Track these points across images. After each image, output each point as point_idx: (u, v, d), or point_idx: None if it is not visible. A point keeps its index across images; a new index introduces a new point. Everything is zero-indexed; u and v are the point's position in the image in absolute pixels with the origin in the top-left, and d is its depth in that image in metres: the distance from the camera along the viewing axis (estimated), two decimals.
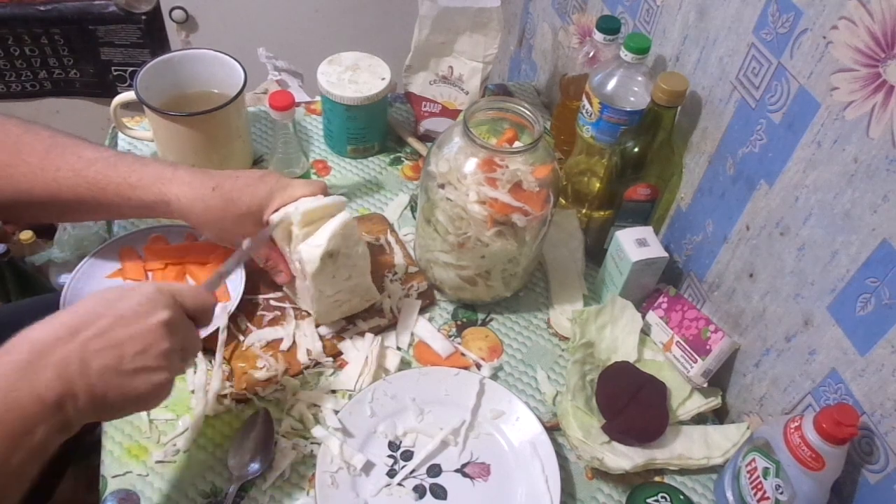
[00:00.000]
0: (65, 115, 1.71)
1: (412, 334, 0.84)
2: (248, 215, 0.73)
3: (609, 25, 0.88)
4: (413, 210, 0.98)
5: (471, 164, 0.75)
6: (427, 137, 1.07)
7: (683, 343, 0.79)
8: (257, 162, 1.01)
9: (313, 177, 1.00)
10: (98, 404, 0.52)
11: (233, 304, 0.78)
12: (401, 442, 0.74)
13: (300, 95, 1.30)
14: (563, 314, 0.87)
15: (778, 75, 0.67)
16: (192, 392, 0.75)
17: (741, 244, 0.76)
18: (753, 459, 0.67)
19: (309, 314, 0.81)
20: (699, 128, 0.81)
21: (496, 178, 0.74)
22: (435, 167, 0.78)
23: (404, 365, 0.81)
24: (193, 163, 0.85)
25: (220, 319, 0.75)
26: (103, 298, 0.55)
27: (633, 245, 0.81)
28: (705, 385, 0.77)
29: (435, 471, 0.72)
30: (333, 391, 0.77)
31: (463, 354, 0.83)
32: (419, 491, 0.71)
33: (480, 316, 0.88)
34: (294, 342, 0.80)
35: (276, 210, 0.74)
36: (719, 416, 0.82)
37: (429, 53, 0.98)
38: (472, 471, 0.73)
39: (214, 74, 0.94)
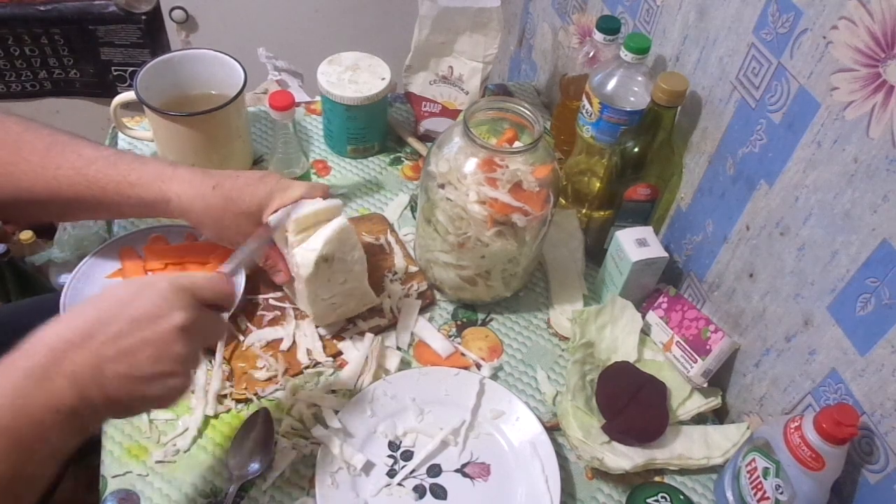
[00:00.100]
0: (65, 115, 1.71)
1: (412, 334, 0.84)
2: (247, 215, 0.73)
3: (609, 25, 0.88)
4: (413, 210, 0.98)
5: (471, 164, 0.75)
6: (427, 137, 1.07)
7: (683, 343, 0.79)
8: (257, 162, 1.01)
9: (313, 177, 1.00)
10: (113, 408, 0.52)
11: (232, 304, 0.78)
12: (401, 442, 0.74)
13: (300, 95, 1.30)
14: (563, 314, 0.87)
15: (778, 75, 0.67)
16: (192, 392, 0.75)
17: (741, 244, 0.76)
18: (753, 459, 0.67)
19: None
20: (699, 128, 0.81)
21: (496, 178, 0.74)
22: (435, 167, 0.78)
23: (404, 365, 0.81)
24: (193, 163, 0.85)
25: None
26: (117, 298, 0.52)
27: (633, 245, 0.81)
28: (705, 385, 0.77)
29: (435, 471, 0.72)
30: (333, 391, 0.77)
31: (463, 354, 0.83)
32: (419, 491, 0.71)
33: (480, 316, 0.88)
34: (294, 342, 0.80)
35: (276, 210, 0.74)
36: (719, 416, 0.82)
37: (429, 53, 0.98)
38: (472, 471, 0.73)
39: (214, 74, 0.94)
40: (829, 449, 0.60)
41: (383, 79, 0.97)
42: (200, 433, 0.73)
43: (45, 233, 1.57)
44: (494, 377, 0.81)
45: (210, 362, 0.77)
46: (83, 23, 1.55)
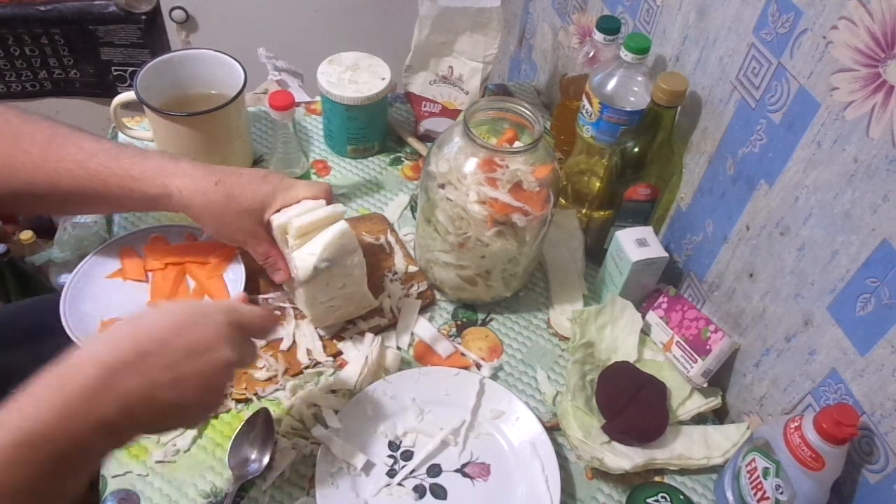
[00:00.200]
0: (65, 115, 1.71)
1: (412, 334, 0.84)
2: (248, 212, 0.73)
3: (609, 25, 0.88)
4: (413, 210, 0.98)
5: (471, 164, 0.75)
6: (427, 137, 1.07)
7: (683, 343, 0.79)
8: (257, 162, 1.01)
9: (313, 177, 1.00)
10: (153, 428, 0.55)
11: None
12: (401, 442, 0.74)
13: (300, 95, 1.30)
14: (563, 314, 0.87)
15: (778, 75, 0.67)
16: None
17: (741, 244, 0.76)
18: (753, 459, 0.67)
19: None
20: (699, 128, 0.81)
21: (496, 178, 0.74)
22: (435, 167, 0.78)
23: (404, 365, 0.81)
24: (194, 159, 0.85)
25: None
26: (172, 324, 0.53)
27: (633, 245, 0.81)
28: (705, 385, 0.77)
29: (435, 471, 0.72)
30: (333, 391, 0.77)
31: (463, 354, 0.83)
32: (419, 491, 0.71)
33: (480, 316, 0.88)
34: (294, 342, 0.80)
35: (279, 209, 0.74)
36: (719, 416, 0.82)
37: (429, 53, 0.98)
38: (472, 471, 0.73)
39: (214, 74, 0.94)
40: (829, 449, 0.60)
41: (383, 79, 0.97)
42: (200, 433, 0.73)
43: (45, 233, 1.57)
44: (494, 377, 0.81)
45: None
46: (83, 23, 1.55)
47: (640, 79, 0.84)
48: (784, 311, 0.70)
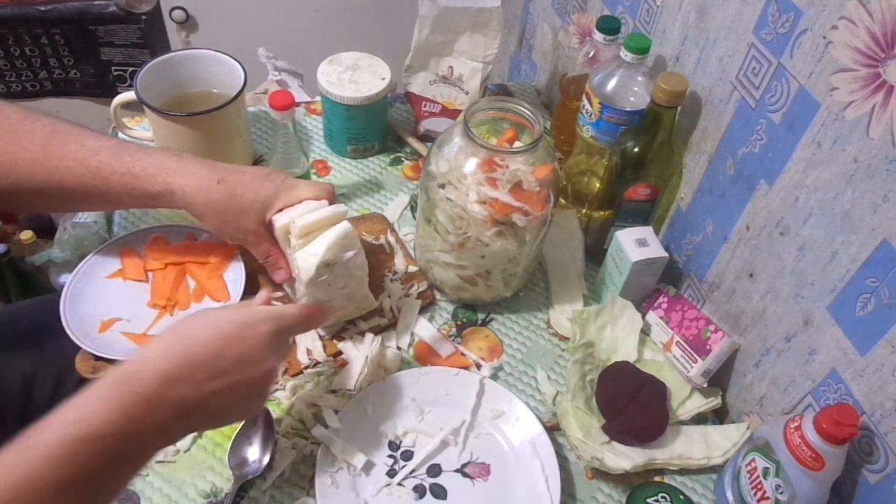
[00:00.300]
0: (65, 115, 1.66)
1: (412, 334, 0.84)
2: (250, 211, 0.73)
3: (609, 25, 0.88)
4: (413, 210, 0.98)
5: (471, 164, 0.75)
6: (427, 137, 1.07)
7: (683, 343, 0.79)
8: (257, 162, 1.01)
9: (313, 177, 1.00)
10: (200, 428, 0.63)
11: (232, 304, 0.78)
12: (401, 442, 0.74)
13: (300, 95, 1.30)
14: (563, 314, 0.87)
15: (778, 75, 0.67)
16: None
17: (741, 244, 0.76)
18: (753, 459, 0.67)
19: None
20: (699, 128, 0.81)
21: (496, 178, 0.74)
22: (435, 167, 0.78)
23: (404, 365, 0.81)
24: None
25: None
26: (222, 334, 0.56)
27: (633, 245, 0.81)
28: (705, 385, 0.77)
29: (435, 471, 0.72)
30: (333, 391, 0.77)
31: (463, 354, 0.83)
32: (419, 491, 0.71)
33: (480, 316, 0.88)
34: (294, 342, 0.80)
35: (281, 209, 0.74)
36: (719, 416, 0.82)
37: (429, 53, 0.98)
38: (472, 471, 0.73)
39: (214, 74, 0.94)
40: (829, 449, 0.60)
41: (383, 79, 0.97)
42: (200, 433, 0.73)
43: (45, 233, 1.57)
44: (494, 377, 0.81)
45: None
46: (83, 23, 1.55)
47: (640, 79, 0.84)
48: (784, 311, 0.70)
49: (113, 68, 1.65)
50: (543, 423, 0.75)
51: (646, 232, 0.83)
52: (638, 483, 0.73)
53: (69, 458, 0.48)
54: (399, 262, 0.89)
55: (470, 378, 0.78)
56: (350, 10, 1.74)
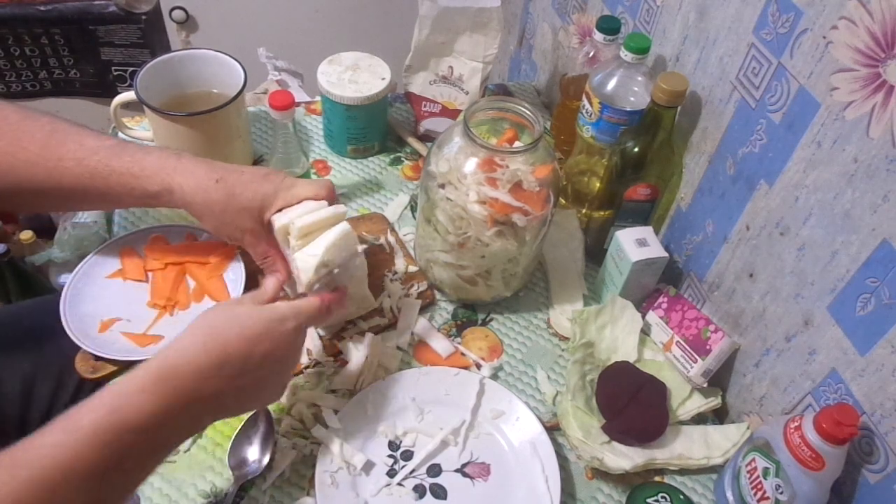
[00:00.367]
0: (65, 115, 1.66)
1: (412, 334, 0.84)
2: (248, 210, 0.73)
3: (609, 25, 0.88)
4: (413, 210, 0.98)
5: (471, 164, 0.75)
6: (427, 137, 1.07)
7: (683, 343, 0.79)
8: (257, 162, 1.01)
9: (313, 177, 1.00)
10: (224, 418, 0.65)
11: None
12: (401, 442, 0.74)
13: (300, 95, 1.30)
14: (563, 314, 0.87)
15: (778, 75, 0.67)
16: None
17: (741, 244, 0.76)
18: (753, 459, 0.67)
19: None
20: (699, 128, 0.81)
21: (496, 178, 0.74)
22: (435, 167, 0.78)
23: (404, 365, 0.81)
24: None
25: None
26: (252, 335, 0.59)
27: (633, 245, 0.81)
28: (705, 385, 0.77)
29: (435, 471, 0.72)
30: (333, 391, 0.77)
31: (463, 354, 0.83)
32: (419, 491, 0.71)
33: (480, 316, 0.88)
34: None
35: (280, 209, 0.74)
36: (719, 416, 0.82)
37: (429, 53, 0.98)
38: (472, 471, 0.73)
39: (214, 74, 0.94)
40: (829, 449, 0.60)
41: (383, 79, 0.97)
42: (201, 433, 0.73)
43: (45, 233, 1.57)
44: (494, 377, 0.81)
45: None
46: (83, 23, 1.55)
47: (640, 79, 0.84)
48: (784, 311, 0.70)
49: (113, 68, 1.65)
50: (543, 423, 0.75)
51: (646, 232, 0.83)
52: (638, 483, 0.73)
53: (109, 445, 0.50)
54: (399, 262, 0.89)
55: (470, 378, 0.78)
56: (350, 10, 1.74)
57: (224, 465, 0.70)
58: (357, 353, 0.79)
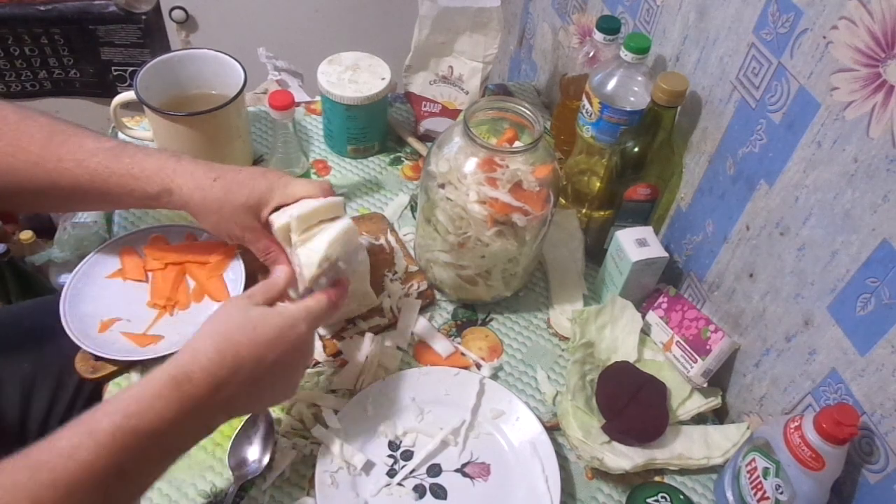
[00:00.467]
0: (65, 115, 1.67)
1: (412, 334, 0.84)
2: (245, 208, 0.73)
3: (609, 25, 0.88)
4: (413, 210, 0.98)
5: (471, 164, 0.75)
6: (427, 137, 1.07)
7: (683, 343, 0.79)
8: (257, 162, 1.01)
9: (313, 177, 1.00)
10: (235, 417, 0.64)
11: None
12: (401, 442, 0.74)
13: (300, 95, 1.30)
14: (563, 314, 0.87)
15: (778, 75, 0.67)
16: None
17: (741, 244, 0.76)
18: (753, 459, 0.67)
19: None
20: (699, 128, 0.81)
21: (496, 178, 0.74)
22: (435, 167, 0.78)
23: (404, 365, 0.81)
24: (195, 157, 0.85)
25: None
26: (266, 339, 0.59)
27: (633, 245, 0.81)
28: (705, 385, 0.77)
29: (435, 471, 0.72)
30: (333, 391, 0.77)
31: (463, 354, 0.83)
32: (419, 491, 0.71)
33: (480, 316, 0.88)
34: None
35: (277, 207, 0.74)
36: (719, 416, 0.82)
37: (429, 53, 0.98)
38: (472, 471, 0.73)
39: (214, 74, 0.94)
40: (829, 449, 0.60)
41: (383, 79, 0.97)
42: None
43: (45, 233, 1.57)
44: (494, 377, 0.81)
45: None
46: (83, 23, 1.55)
47: (640, 79, 0.84)
48: (784, 311, 0.70)
49: (113, 68, 1.65)
50: (543, 423, 0.75)
51: (646, 232, 0.83)
52: (638, 483, 0.73)
53: (126, 449, 0.51)
54: (399, 262, 0.89)
55: (470, 378, 0.78)
56: (350, 10, 1.74)
57: (224, 465, 0.70)
58: (357, 353, 0.79)
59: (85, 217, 1.46)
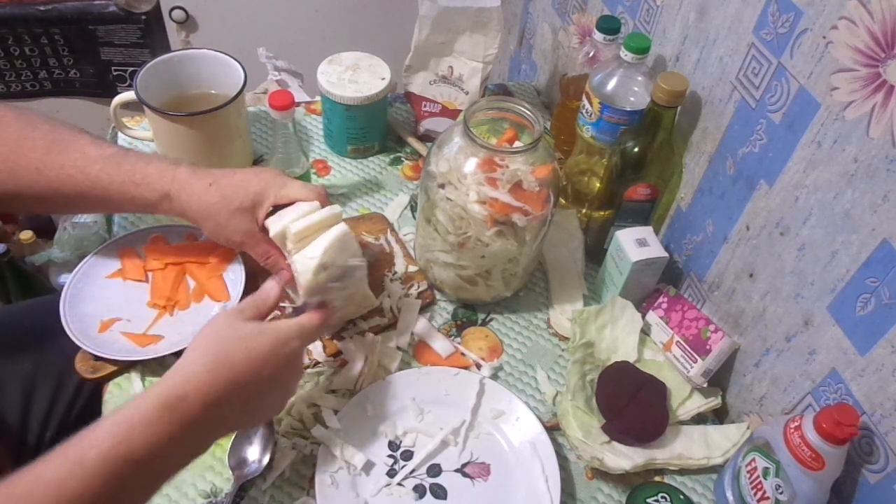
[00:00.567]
0: (65, 115, 1.71)
1: (412, 334, 0.84)
2: (241, 211, 0.73)
3: (609, 25, 0.88)
4: (413, 210, 0.98)
5: (471, 164, 0.75)
6: (427, 137, 1.07)
7: (683, 343, 0.79)
8: (257, 162, 1.01)
9: (313, 177, 1.00)
10: (229, 433, 0.68)
11: (233, 303, 0.78)
12: (401, 442, 0.74)
13: (300, 95, 1.30)
14: (563, 314, 0.87)
15: (778, 75, 0.67)
16: None
17: (741, 244, 0.76)
18: (753, 459, 0.67)
19: None
20: (699, 128, 0.81)
21: (496, 178, 0.74)
22: (435, 167, 0.78)
23: (404, 365, 0.81)
24: (193, 163, 0.85)
25: None
26: (258, 357, 0.59)
27: (633, 245, 0.81)
28: (705, 385, 0.77)
29: (435, 471, 0.72)
30: (333, 391, 0.77)
31: (463, 354, 0.83)
32: (419, 491, 0.71)
33: (480, 316, 0.88)
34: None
35: (273, 207, 0.74)
36: (719, 416, 0.82)
37: (429, 53, 0.98)
38: (472, 471, 0.73)
39: (214, 74, 0.94)
40: (829, 449, 0.60)
41: (383, 79, 0.97)
42: None
43: (45, 233, 1.57)
44: (494, 377, 0.81)
45: None
46: (83, 23, 1.55)
47: (640, 79, 0.84)
48: (784, 311, 0.70)
49: (113, 68, 1.65)
50: (543, 423, 0.75)
51: (646, 232, 0.83)
52: (638, 483, 0.73)
53: (116, 476, 0.50)
54: (399, 262, 0.89)
55: (470, 378, 0.78)
56: (350, 10, 1.74)
57: (224, 465, 0.70)
58: (357, 353, 0.79)
59: (85, 217, 1.46)
